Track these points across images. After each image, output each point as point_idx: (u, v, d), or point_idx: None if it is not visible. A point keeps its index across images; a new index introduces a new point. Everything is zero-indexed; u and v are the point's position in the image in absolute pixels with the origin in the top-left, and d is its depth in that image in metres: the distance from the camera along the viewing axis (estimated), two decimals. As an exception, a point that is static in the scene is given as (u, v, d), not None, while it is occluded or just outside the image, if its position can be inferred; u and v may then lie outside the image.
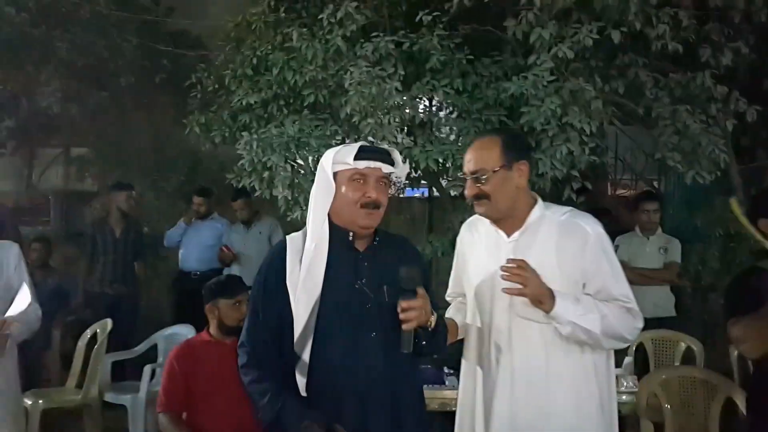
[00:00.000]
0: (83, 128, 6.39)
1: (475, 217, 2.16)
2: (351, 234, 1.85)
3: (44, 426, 4.27)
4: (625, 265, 4.25)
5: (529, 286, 1.84)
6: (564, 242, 1.99)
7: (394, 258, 1.88)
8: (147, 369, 3.97)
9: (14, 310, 2.51)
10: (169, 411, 2.56)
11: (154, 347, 4.34)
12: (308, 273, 1.79)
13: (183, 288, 5.12)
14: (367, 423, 1.77)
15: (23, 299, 2.54)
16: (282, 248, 1.88)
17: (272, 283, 1.84)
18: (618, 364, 3.01)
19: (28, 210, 7.50)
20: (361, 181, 1.84)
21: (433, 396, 2.93)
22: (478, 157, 2.02)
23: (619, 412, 2.89)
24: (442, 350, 1.97)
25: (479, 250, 2.10)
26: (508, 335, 1.98)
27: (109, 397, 4.02)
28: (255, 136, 4.02)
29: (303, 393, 1.78)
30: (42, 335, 4.68)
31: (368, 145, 1.96)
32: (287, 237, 1.91)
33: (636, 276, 4.28)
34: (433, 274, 6.46)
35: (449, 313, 2.22)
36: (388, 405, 1.81)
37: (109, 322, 4.19)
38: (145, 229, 5.86)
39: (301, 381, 1.78)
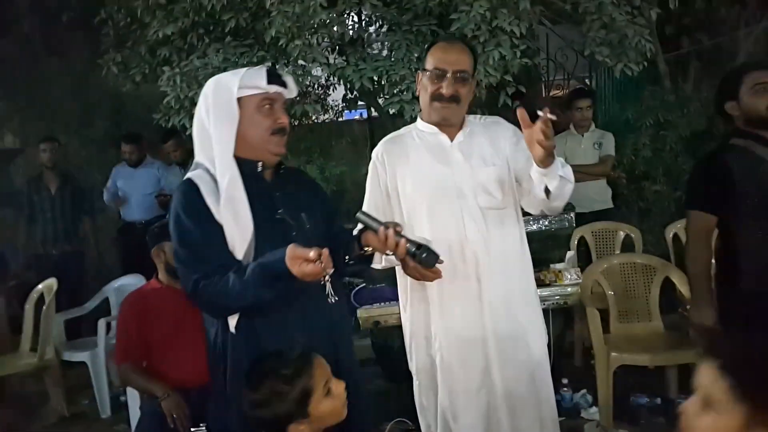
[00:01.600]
0: (-8, 81, 5.94)
1: (392, 135, 2.22)
2: (260, 164, 1.80)
3: (5, 393, 4.23)
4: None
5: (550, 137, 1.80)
6: (495, 137, 2.14)
7: (299, 185, 1.91)
8: (101, 323, 3.91)
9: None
10: (127, 362, 2.54)
11: (106, 301, 4.27)
12: (235, 211, 1.70)
13: (128, 239, 4.98)
14: (320, 344, 1.73)
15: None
16: (193, 189, 1.73)
17: (202, 219, 1.70)
18: (561, 259, 3.14)
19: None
20: (269, 107, 1.78)
21: (392, 312, 3.01)
22: (462, 59, 2.06)
23: (565, 303, 3.08)
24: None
25: (420, 158, 2.10)
26: (486, 233, 2.05)
27: (67, 355, 3.97)
28: (177, 69, 3.82)
29: (232, 329, 1.73)
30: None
31: (271, 67, 1.85)
32: (191, 177, 1.75)
33: (573, 173, 4.40)
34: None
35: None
36: (327, 328, 1.81)
37: (54, 282, 4.06)
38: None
39: (234, 319, 1.73)
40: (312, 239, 1.79)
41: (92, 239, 5.16)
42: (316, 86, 4.89)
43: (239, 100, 1.74)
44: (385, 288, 3.30)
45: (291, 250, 1.59)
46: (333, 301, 1.81)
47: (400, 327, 3.08)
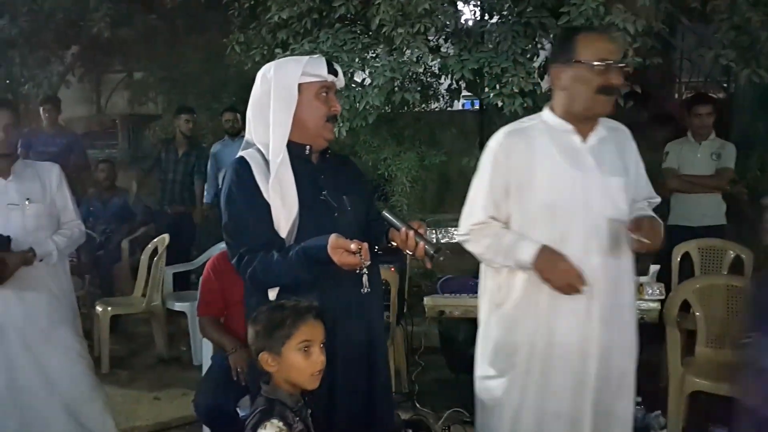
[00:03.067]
0: (138, 53, 6.57)
1: (515, 127, 2.07)
2: (308, 148, 1.88)
3: (119, 329, 4.75)
4: (674, 173, 4.15)
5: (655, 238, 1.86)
6: (622, 147, 2.05)
7: (342, 170, 1.98)
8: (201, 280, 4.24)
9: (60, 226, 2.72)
10: (207, 315, 2.78)
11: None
12: (282, 191, 1.80)
13: None
14: (347, 329, 1.84)
15: (67, 216, 2.74)
16: (245, 167, 1.82)
17: (252, 196, 1.80)
18: (644, 272, 2.99)
19: (98, 134, 7.91)
20: (326, 94, 1.87)
21: (458, 303, 3.03)
22: (618, 50, 2.00)
23: (642, 318, 2.93)
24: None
25: (548, 158, 1.96)
26: (605, 246, 1.95)
27: (170, 304, 4.36)
28: (288, 53, 4.03)
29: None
30: (113, 250, 5.12)
31: (328, 58, 1.93)
32: (244, 155, 1.85)
33: (684, 183, 4.13)
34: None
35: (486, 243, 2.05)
36: (360, 315, 1.88)
37: (166, 237, 4.49)
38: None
39: (273, 291, 1.83)
40: (352, 222, 1.89)
41: (200, 203, 5.53)
42: (426, 74, 4.91)
43: (299, 86, 1.84)
44: (470, 279, 3.32)
45: (334, 240, 1.68)
46: (366, 291, 1.86)
47: (465, 319, 3.12)
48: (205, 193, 5.53)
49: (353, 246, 1.64)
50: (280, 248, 1.79)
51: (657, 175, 4.67)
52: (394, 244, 1.82)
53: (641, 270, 3.13)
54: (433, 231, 2.68)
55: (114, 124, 7.92)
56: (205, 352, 2.97)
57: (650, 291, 2.89)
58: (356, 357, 1.86)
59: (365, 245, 1.66)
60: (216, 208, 5.54)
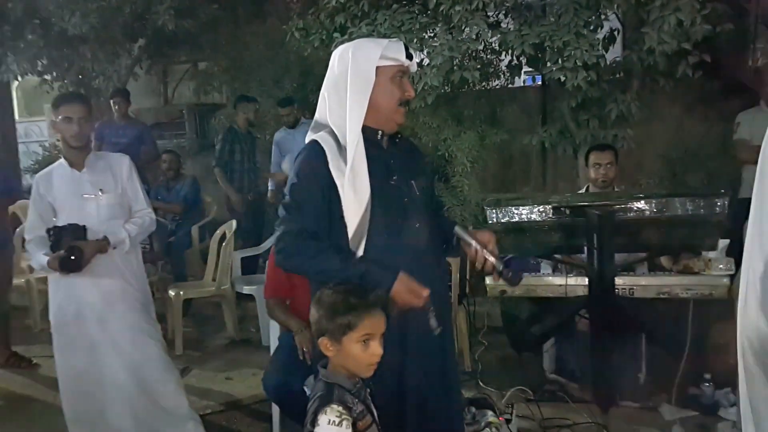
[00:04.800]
0: (202, 43, 6.73)
1: None
2: (380, 132, 1.87)
3: (191, 312, 4.94)
4: (745, 144, 3.94)
5: None
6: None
7: (410, 154, 1.98)
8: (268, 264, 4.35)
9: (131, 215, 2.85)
10: (274, 297, 2.85)
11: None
12: (354, 174, 1.79)
13: None
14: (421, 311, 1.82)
15: (138, 205, 2.86)
16: (318, 149, 1.82)
17: (318, 179, 1.80)
18: (713, 247, 2.87)
19: (166, 125, 8.17)
20: (400, 79, 1.85)
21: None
22: None
23: (711, 294, 2.82)
24: None
25: None
26: None
27: (239, 288, 4.50)
28: (346, 37, 4.04)
29: None
30: (183, 236, 5.31)
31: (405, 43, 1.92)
32: (318, 139, 1.84)
33: (754, 155, 3.89)
34: (549, 165, 6.33)
35: None
36: (436, 287, 1.86)
37: (234, 223, 4.62)
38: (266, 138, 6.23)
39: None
40: (420, 208, 1.89)
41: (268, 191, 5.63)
42: (485, 51, 4.82)
43: (376, 69, 1.82)
44: (531, 259, 3.28)
45: (403, 282, 1.71)
46: (437, 332, 1.85)
47: (527, 298, 3.08)
48: (270, 180, 5.64)
49: (425, 293, 1.70)
50: (334, 241, 1.79)
51: (729, 146, 4.48)
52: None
53: (710, 245, 3.02)
54: (494, 211, 2.64)
55: (181, 114, 8.15)
56: (272, 334, 3.05)
57: (720, 267, 2.77)
58: (423, 338, 1.86)
59: (427, 291, 1.71)
60: (280, 194, 5.66)
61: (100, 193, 2.73)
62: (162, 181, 5.56)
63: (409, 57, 1.87)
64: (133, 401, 2.75)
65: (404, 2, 4.12)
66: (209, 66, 7.58)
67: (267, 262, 3.00)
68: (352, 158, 1.79)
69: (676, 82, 4.07)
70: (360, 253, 1.80)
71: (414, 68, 1.93)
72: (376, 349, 1.63)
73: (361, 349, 1.62)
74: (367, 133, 1.84)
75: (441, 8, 3.71)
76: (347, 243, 1.80)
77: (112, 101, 5.67)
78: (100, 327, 2.71)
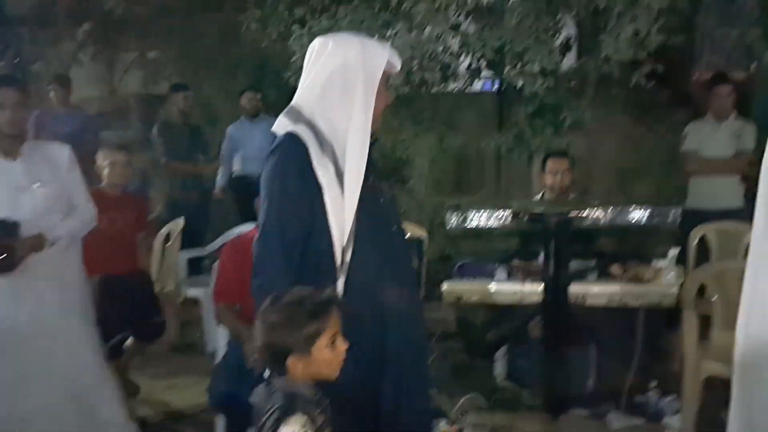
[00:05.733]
0: (152, 30, 6.48)
1: None
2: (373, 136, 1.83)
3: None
4: (692, 155, 4.03)
5: None
6: None
7: (375, 158, 1.93)
8: (215, 266, 4.18)
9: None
10: (222, 302, 2.71)
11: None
12: (351, 177, 1.73)
13: (242, 191, 5.07)
14: (400, 320, 1.80)
15: (78, 199, 2.66)
16: (298, 144, 1.74)
17: (301, 176, 1.72)
18: (663, 255, 2.92)
19: (111, 115, 7.83)
20: (387, 84, 1.85)
21: (476, 289, 2.96)
22: None
23: (661, 303, 2.85)
24: None
25: None
26: None
27: (184, 290, 4.31)
28: (305, 30, 3.93)
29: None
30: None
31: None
32: (297, 133, 1.74)
33: (702, 166, 4.02)
34: (503, 170, 6.36)
35: None
36: (409, 291, 1.88)
37: (180, 222, 4.42)
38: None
39: (340, 280, 1.76)
40: (394, 207, 1.92)
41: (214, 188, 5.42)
42: (444, 53, 4.79)
43: None
44: (488, 266, 3.25)
45: None
46: None
47: (483, 304, 3.06)
48: (220, 175, 5.44)
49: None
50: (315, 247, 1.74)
51: (677, 157, 4.58)
52: None
53: (661, 253, 3.06)
54: (453, 215, 2.59)
55: (128, 105, 7.84)
56: (219, 340, 2.92)
57: (669, 275, 2.81)
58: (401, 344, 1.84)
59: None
60: (230, 191, 5.48)
61: (36, 186, 2.52)
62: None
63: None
64: (63, 412, 2.54)
65: (367, -1, 4.05)
66: (160, 55, 7.31)
67: (217, 263, 2.86)
68: (355, 161, 1.73)
69: (628, 91, 4.14)
70: (347, 257, 1.74)
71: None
72: (342, 344, 1.56)
73: (330, 352, 1.54)
74: None
75: (403, 6, 3.65)
76: (329, 247, 1.74)
77: (50, 87, 5.29)
78: (33, 332, 2.50)
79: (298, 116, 1.78)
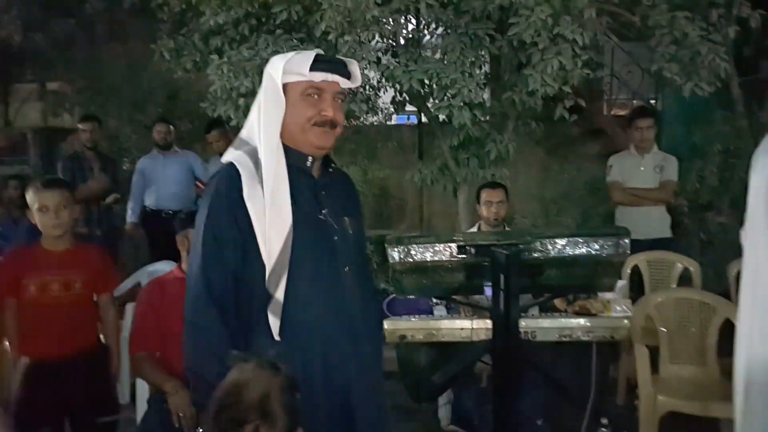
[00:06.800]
0: (54, 61, 6.08)
1: None
2: (310, 159, 1.66)
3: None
4: (618, 186, 4.16)
5: None
6: None
7: (345, 189, 1.78)
8: (129, 307, 3.85)
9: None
10: (140, 351, 2.44)
11: (139, 286, 4.21)
12: (274, 202, 1.57)
13: (155, 227, 4.85)
14: (344, 362, 1.64)
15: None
16: (232, 174, 1.59)
17: (230, 213, 1.58)
18: (611, 288, 2.90)
19: (6, 149, 7.26)
20: (316, 97, 1.62)
21: (421, 327, 2.83)
22: None
23: (612, 337, 2.83)
24: None
25: None
26: None
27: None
28: (225, 59, 3.77)
29: (276, 336, 1.58)
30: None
31: (324, 54, 1.69)
32: (232, 161, 1.62)
33: (629, 196, 4.14)
34: (425, 202, 6.37)
35: None
36: (362, 340, 1.69)
37: (88, 262, 4.04)
38: (124, 166, 5.67)
39: (274, 322, 1.58)
40: (352, 248, 1.69)
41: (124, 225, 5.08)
42: (366, 87, 4.77)
43: (285, 85, 1.61)
44: (420, 300, 3.14)
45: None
46: None
47: (427, 343, 2.93)
48: (130, 211, 5.09)
49: None
50: (232, 312, 1.59)
51: (602, 187, 4.73)
52: None
53: (608, 285, 3.05)
54: (395, 249, 2.47)
55: (24, 138, 7.29)
56: (139, 395, 2.63)
57: (618, 308, 2.78)
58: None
59: None
60: (141, 228, 5.13)
61: None
62: (3, 212, 4.81)
63: (328, 70, 1.62)
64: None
65: (291, 30, 3.93)
66: (61, 86, 6.87)
67: (134, 307, 2.59)
68: (271, 179, 1.57)
69: (546, 124, 4.24)
70: (280, 295, 1.57)
71: (348, 84, 1.67)
72: None
73: None
74: (293, 157, 1.62)
75: (329, 37, 3.56)
76: (263, 282, 1.56)
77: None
78: None
79: (240, 143, 1.66)
